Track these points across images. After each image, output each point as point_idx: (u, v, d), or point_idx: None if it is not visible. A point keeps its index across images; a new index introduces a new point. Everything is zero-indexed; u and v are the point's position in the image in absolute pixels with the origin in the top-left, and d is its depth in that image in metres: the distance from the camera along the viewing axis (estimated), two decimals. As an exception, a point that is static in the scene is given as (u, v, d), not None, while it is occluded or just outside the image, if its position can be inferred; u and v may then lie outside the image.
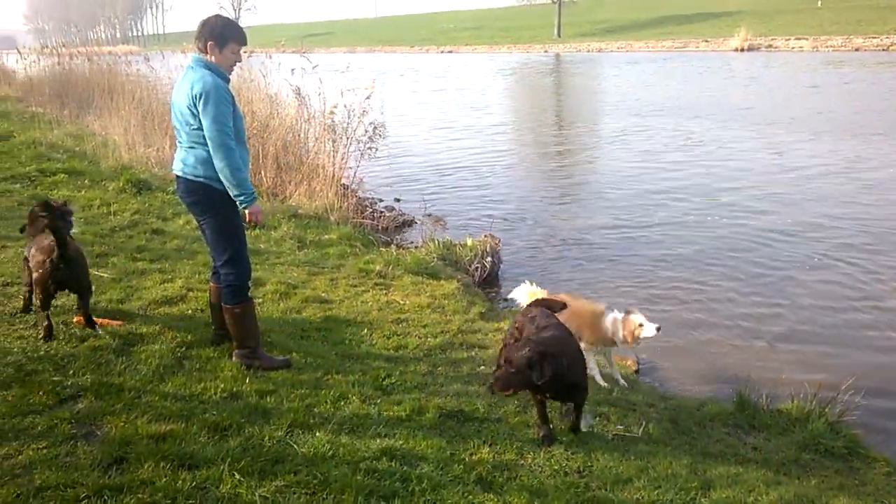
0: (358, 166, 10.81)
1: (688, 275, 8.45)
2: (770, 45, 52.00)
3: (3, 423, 3.70)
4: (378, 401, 4.52)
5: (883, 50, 44.57)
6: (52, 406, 3.94)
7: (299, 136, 11.32)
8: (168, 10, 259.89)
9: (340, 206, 9.85)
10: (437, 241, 8.70)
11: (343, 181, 10.82)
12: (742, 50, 51.44)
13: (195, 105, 4.30)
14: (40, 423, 3.74)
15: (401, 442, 4.02)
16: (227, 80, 4.55)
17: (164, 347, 4.85)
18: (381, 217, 10.59)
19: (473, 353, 5.74)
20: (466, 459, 3.96)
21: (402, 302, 6.66)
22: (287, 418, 4.05)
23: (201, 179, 4.47)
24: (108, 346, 4.79)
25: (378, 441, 3.98)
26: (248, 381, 4.48)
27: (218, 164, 4.34)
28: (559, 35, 74.72)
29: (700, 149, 16.27)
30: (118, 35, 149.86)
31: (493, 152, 16.86)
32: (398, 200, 12.14)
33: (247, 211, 4.56)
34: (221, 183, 4.43)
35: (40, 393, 4.03)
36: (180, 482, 3.31)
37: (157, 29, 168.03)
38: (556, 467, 4.00)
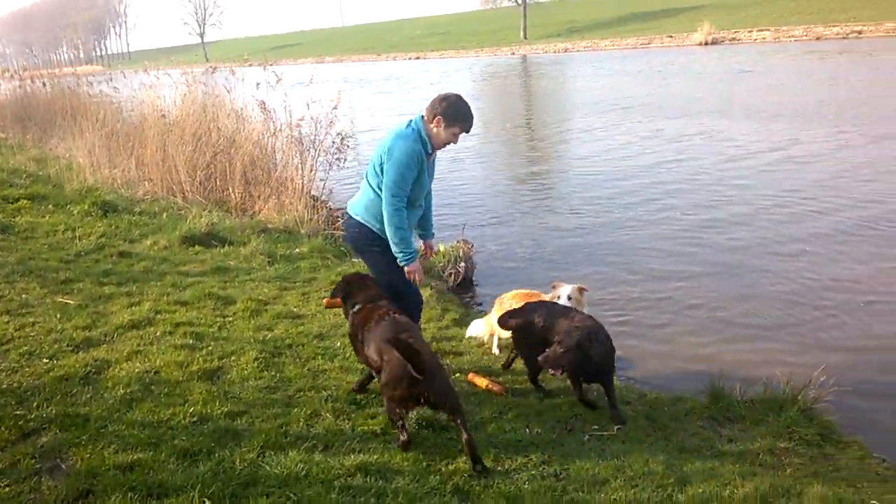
0: (327, 177, 10.73)
1: (658, 271, 8.48)
2: (734, 38, 52.52)
3: (-36, 463, 3.61)
4: (352, 416, 4.48)
5: (843, 38, 45.24)
6: (15, 441, 3.85)
7: (266, 150, 11.24)
8: (132, 29, 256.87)
9: (311, 219, 9.77)
10: (409, 249, 8.65)
11: (313, 193, 10.74)
12: (706, 44, 51.92)
13: (382, 158, 4.61)
14: (2, 459, 3.66)
15: (376, 456, 3.98)
16: (429, 153, 4.77)
17: (131, 374, 4.76)
18: (352, 228, 10.53)
19: (448, 362, 5.71)
20: (443, 470, 3.93)
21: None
22: (259, 439, 3.99)
23: (359, 218, 4.85)
24: (73, 375, 4.70)
25: (352, 457, 3.93)
26: (218, 403, 4.41)
27: (385, 219, 4.65)
28: (525, 37, 74.98)
29: (670, 145, 16.36)
30: (81, 55, 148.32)
31: (463, 156, 16.87)
32: (369, 210, 12.08)
33: (405, 268, 4.83)
34: (376, 225, 4.77)
35: (2, 428, 3.94)
36: (149, 513, 3.24)
37: (122, 48, 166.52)
38: (532, 472, 3.99)
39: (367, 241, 4.90)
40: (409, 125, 4.72)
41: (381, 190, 4.67)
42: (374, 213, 4.79)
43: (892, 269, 7.89)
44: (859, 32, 45.56)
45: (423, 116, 4.72)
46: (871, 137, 14.88)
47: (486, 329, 6.08)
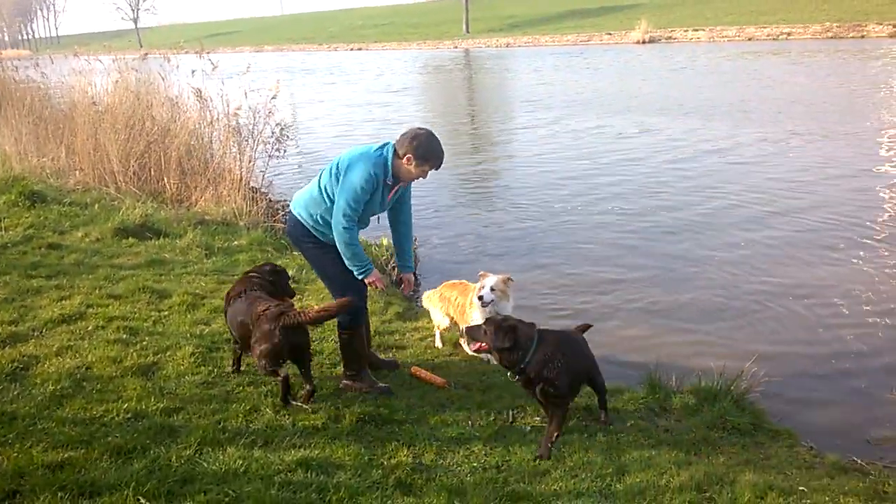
0: (266, 169, 10.55)
1: (597, 265, 8.62)
2: (670, 37, 53.79)
3: None
4: (292, 411, 4.42)
5: (773, 39, 46.85)
6: (-63, 441, 3.68)
7: (203, 139, 10.96)
8: (61, 12, 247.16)
9: (250, 211, 9.59)
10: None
11: (252, 184, 10.55)
12: (643, 42, 53.04)
13: (340, 170, 4.59)
14: (-77, 460, 3.48)
15: (317, 451, 3.95)
16: (388, 183, 4.69)
17: (61, 370, 4.60)
18: (293, 220, 10.37)
19: (391, 355, 5.69)
20: (385, 464, 3.92)
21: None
22: (196, 436, 3.91)
23: (296, 213, 4.84)
24: (-2, 372, 4.51)
25: (293, 452, 3.89)
26: (153, 399, 4.31)
27: (336, 237, 4.63)
28: (468, 31, 75.13)
29: (613, 142, 16.63)
30: (7, 39, 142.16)
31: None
32: (311, 202, 11.92)
33: (366, 281, 4.81)
34: (309, 221, 4.76)
35: (-78, 428, 3.76)
36: (80, 513, 3.13)
37: (50, 32, 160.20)
38: (475, 464, 4.02)
39: (300, 235, 4.89)
40: (379, 150, 4.66)
41: (326, 192, 4.68)
42: (311, 211, 4.77)
43: (822, 266, 8.19)
44: (788, 34, 47.33)
45: (389, 147, 4.68)
46: (813, 137, 15.38)
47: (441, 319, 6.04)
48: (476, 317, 5.38)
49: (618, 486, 3.84)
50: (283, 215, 10.43)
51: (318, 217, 4.75)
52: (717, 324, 6.89)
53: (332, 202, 4.64)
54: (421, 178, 4.84)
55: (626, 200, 11.42)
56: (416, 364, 5.40)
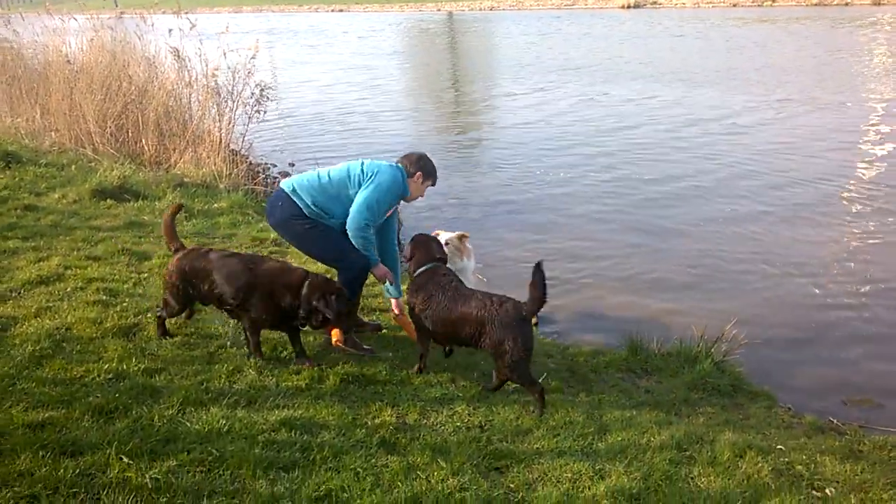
0: (247, 131, 10.37)
1: (580, 229, 8.65)
2: (654, 3, 53.46)
3: None
4: (276, 372, 4.42)
5: (759, 6, 46.70)
6: (-86, 401, 3.62)
7: (181, 100, 10.74)
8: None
9: (230, 173, 9.46)
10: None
11: (232, 147, 10.38)
12: (628, 7, 52.71)
13: (366, 178, 4.79)
14: None
15: (301, 411, 3.94)
16: (400, 199, 5.06)
17: (40, 330, 4.53)
18: (274, 183, 10.25)
19: (375, 317, 5.68)
20: (369, 423, 3.93)
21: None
22: (178, 396, 3.88)
23: (288, 192, 4.87)
24: (-25, 333, 4.44)
25: (276, 412, 3.88)
26: (134, 361, 4.26)
27: (352, 232, 4.76)
28: (452, -7, 74.14)
29: (604, 109, 16.59)
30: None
31: (388, 112, 16.64)
32: (293, 165, 11.78)
33: (374, 272, 4.97)
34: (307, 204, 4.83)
35: None
36: (62, 471, 3.10)
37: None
38: (458, 424, 4.04)
39: (291, 216, 4.86)
40: (395, 167, 4.96)
41: (329, 180, 4.84)
42: (315, 196, 4.83)
43: (806, 234, 8.26)
44: (773, 1, 47.14)
45: (400, 167, 4.99)
46: (804, 107, 15.42)
47: None
48: None
49: (599, 444, 3.88)
50: (264, 178, 10.33)
51: (321, 204, 4.82)
52: (698, 288, 6.97)
53: (340, 193, 4.81)
54: (420, 198, 5.25)
55: (609, 166, 11.44)
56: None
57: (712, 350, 5.16)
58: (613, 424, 4.12)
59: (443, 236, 5.60)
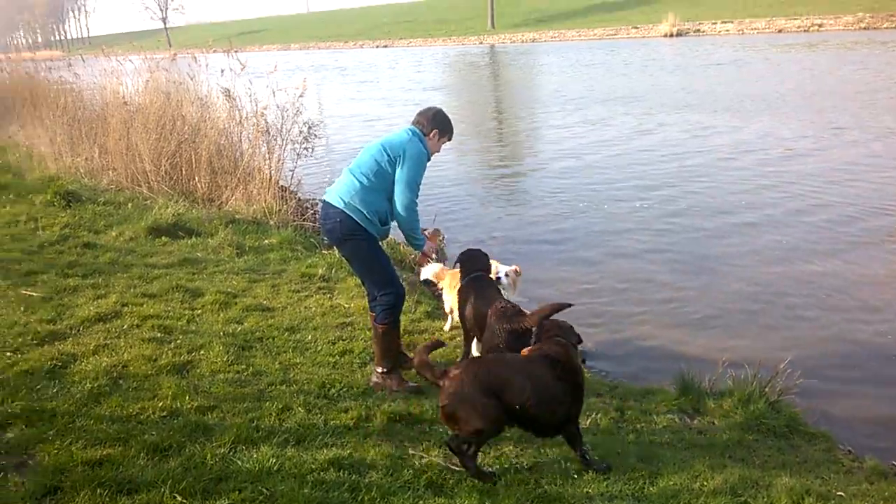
0: (295, 167, 10.62)
1: (629, 263, 8.57)
2: (698, 30, 53.23)
3: (-74, 461, 3.51)
4: (324, 410, 4.45)
5: (804, 31, 46.10)
6: (-20, 438, 3.76)
7: (232, 139, 11.05)
8: (92, 13, 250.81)
9: (280, 210, 9.66)
10: (380, 241, 8.61)
11: (281, 183, 10.62)
12: (671, 35, 52.54)
13: (395, 159, 4.87)
14: (-33, 456, 3.56)
15: (349, 450, 3.96)
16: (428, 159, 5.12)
17: (98, 368, 4.67)
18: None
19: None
20: (416, 464, 3.92)
21: (346, 305, 6.57)
22: (230, 434, 3.94)
23: (341, 207, 4.88)
24: (38, 369, 4.59)
25: (325, 451, 3.91)
26: (188, 398, 4.35)
27: (403, 214, 4.91)
28: (493, 26, 75.00)
29: (653, 138, 16.50)
30: (39, 40, 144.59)
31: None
32: (340, 201, 11.96)
33: (422, 252, 5.29)
34: (359, 214, 4.88)
35: (-34, 425, 3.84)
36: (119, 510, 3.18)
37: (81, 32, 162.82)
38: (506, 465, 4.01)
39: (349, 231, 4.92)
40: (411, 134, 5.01)
41: (368, 179, 4.87)
42: (367, 201, 4.88)
43: (862, 266, 8.03)
44: (819, 26, 46.52)
45: (415, 129, 5.06)
46: (870, 133, 15.01)
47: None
48: None
49: (651, 488, 3.80)
50: (312, 213, 10.51)
51: (373, 207, 4.89)
52: (751, 324, 6.81)
53: (382, 187, 4.90)
54: (435, 154, 5.25)
55: (659, 197, 11.32)
56: (447, 363, 5.39)
57: (766, 389, 5.03)
58: (665, 468, 4.04)
59: (500, 269, 5.68)
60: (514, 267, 5.93)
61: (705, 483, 3.85)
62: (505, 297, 5.39)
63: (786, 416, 4.84)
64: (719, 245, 9.00)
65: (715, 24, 53.55)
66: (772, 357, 5.69)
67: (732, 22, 52.63)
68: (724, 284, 7.78)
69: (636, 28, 58.71)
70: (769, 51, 35.69)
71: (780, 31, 47.84)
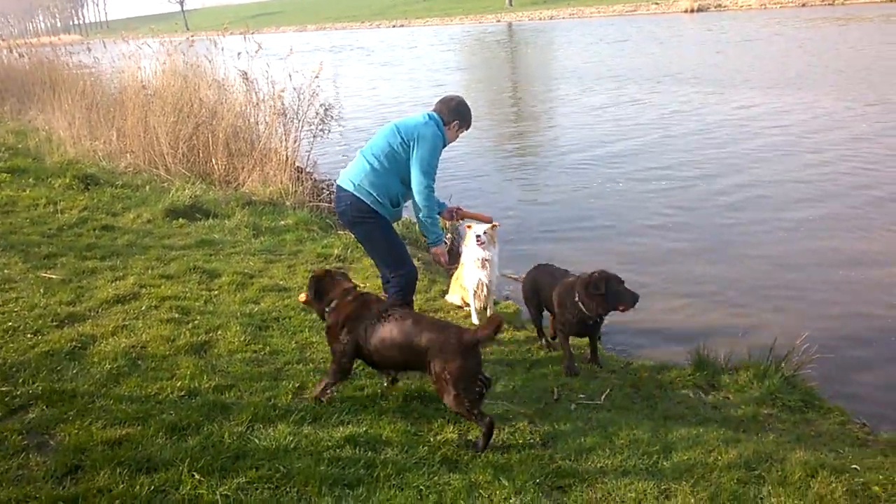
0: (311, 149, 10.64)
1: (644, 240, 8.52)
2: (719, 5, 52.34)
3: (-49, 440, 3.59)
4: (340, 388, 4.49)
5: (829, 5, 45.15)
6: (2, 417, 3.83)
7: (249, 121, 11.09)
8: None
9: (296, 191, 9.69)
10: (395, 221, 8.64)
11: (297, 164, 10.66)
12: (692, 11, 51.73)
13: (409, 143, 4.91)
14: (-10, 436, 3.63)
15: (364, 428, 4.00)
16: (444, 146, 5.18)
17: (117, 349, 4.74)
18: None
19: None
20: (431, 440, 3.96)
21: (362, 285, 6.58)
22: (247, 413, 3.99)
23: (352, 191, 4.96)
24: (58, 351, 4.67)
25: (341, 429, 3.95)
26: (206, 377, 4.40)
27: (420, 200, 4.97)
28: (511, 4, 74.31)
29: (672, 115, 16.33)
30: (59, 24, 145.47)
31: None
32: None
33: (432, 250, 5.31)
34: (370, 197, 4.93)
35: (-11, 405, 3.92)
36: (138, 487, 3.25)
37: (99, 16, 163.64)
38: (520, 441, 4.03)
39: (361, 213, 4.99)
40: (428, 118, 5.04)
41: (379, 162, 4.91)
42: (377, 184, 4.93)
43: (881, 243, 7.94)
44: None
45: (433, 114, 5.09)
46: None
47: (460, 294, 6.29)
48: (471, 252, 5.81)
49: (665, 463, 3.81)
50: (328, 194, 10.54)
51: (384, 190, 4.94)
52: (767, 300, 6.76)
53: (395, 169, 4.93)
54: (452, 143, 5.30)
55: (677, 174, 11.24)
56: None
57: (782, 365, 5.00)
58: (679, 443, 4.04)
59: (477, 228, 5.76)
60: (490, 224, 5.96)
61: (720, 457, 3.85)
62: (487, 252, 5.71)
63: (801, 391, 4.81)
64: (738, 221, 8.92)
65: (736, -2, 52.66)
66: (789, 332, 5.64)
67: (754, -6, 51.74)
68: (741, 260, 7.72)
69: (656, 3, 57.85)
70: (811, 25, 35.00)
71: (803, 4, 46.87)
